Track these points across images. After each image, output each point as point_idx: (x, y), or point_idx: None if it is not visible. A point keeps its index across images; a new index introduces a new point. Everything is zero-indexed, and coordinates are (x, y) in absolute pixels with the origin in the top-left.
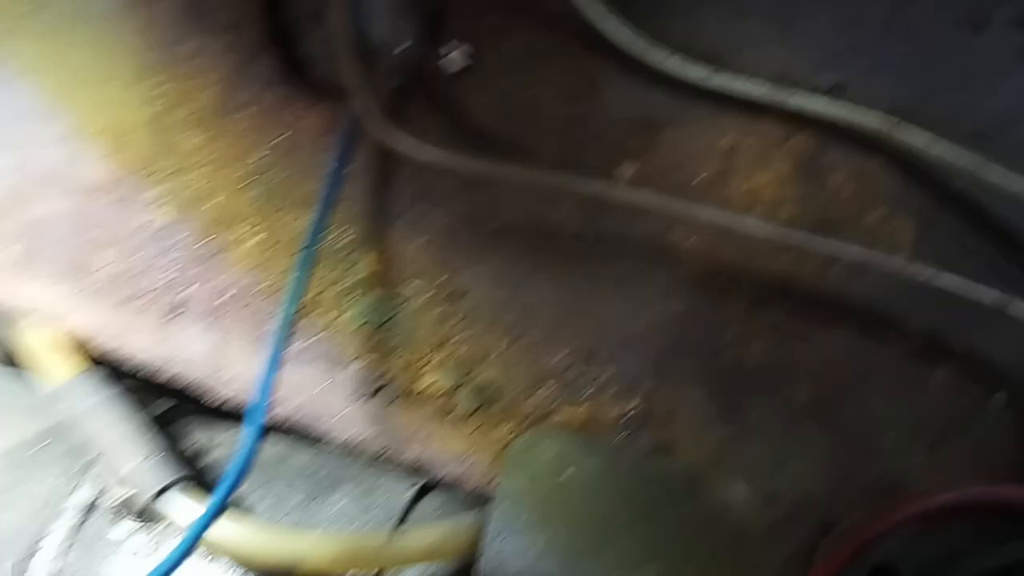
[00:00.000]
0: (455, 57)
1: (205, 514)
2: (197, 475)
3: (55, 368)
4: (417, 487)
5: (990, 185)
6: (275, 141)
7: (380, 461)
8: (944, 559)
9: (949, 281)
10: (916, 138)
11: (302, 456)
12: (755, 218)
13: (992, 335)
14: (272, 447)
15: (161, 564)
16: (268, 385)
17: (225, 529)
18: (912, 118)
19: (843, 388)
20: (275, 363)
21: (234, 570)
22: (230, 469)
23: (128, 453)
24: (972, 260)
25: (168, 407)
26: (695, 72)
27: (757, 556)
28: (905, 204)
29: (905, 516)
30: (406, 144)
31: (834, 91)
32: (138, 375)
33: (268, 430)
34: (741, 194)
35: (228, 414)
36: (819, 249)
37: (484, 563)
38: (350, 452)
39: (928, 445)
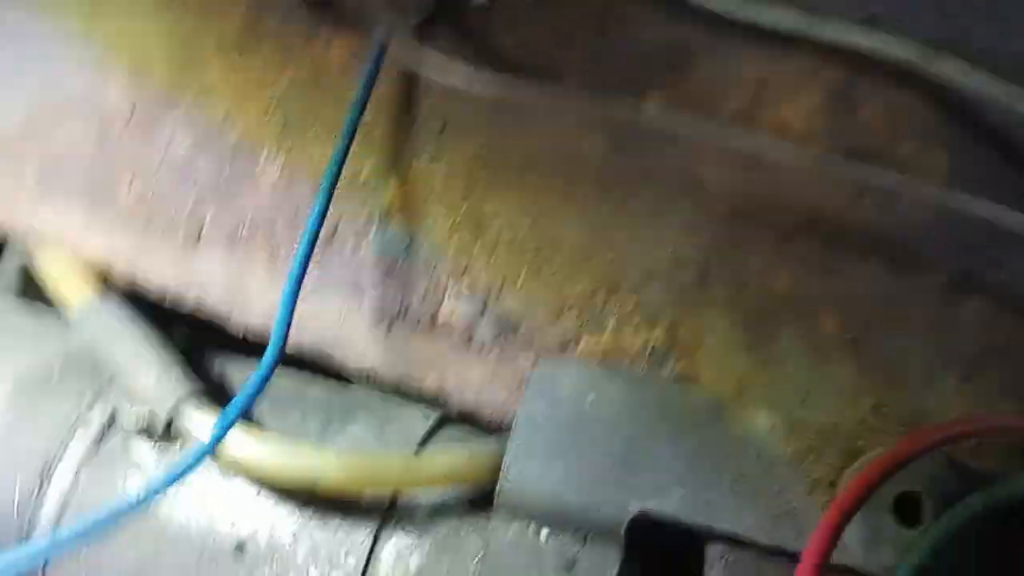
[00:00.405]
0: None
1: (220, 422)
2: (213, 393)
3: (72, 292)
4: (434, 419)
5: None
6: (300, 69)
7: (398, 391)
8: (969, 488)
9: (983, 209)
10: (950, 69)
11: (317, 389)
12: (785, 144)
13: None
14: (286, 380)
15: (173, 470)
16: (288, 311)
17: (241, 442)
18: (946, 50)
19: (872, 320)
20: (295, 290)
21: (249, 486)
22: (247, 383)
23: (144, 370)
24: (1006, 193)
25: (186, 336)
26: (725, 2)
27: (781, 484)
28: (938, 137)
29: (929, 443)
30: (433, 69)
31: (868, 22)
32: (157, 301)
33: (286, 358)
34: (770, 127)
35: (247, 346)
36: (850, 176)
37: (503, 488)
38: (368, 381)
39: (958, 377)
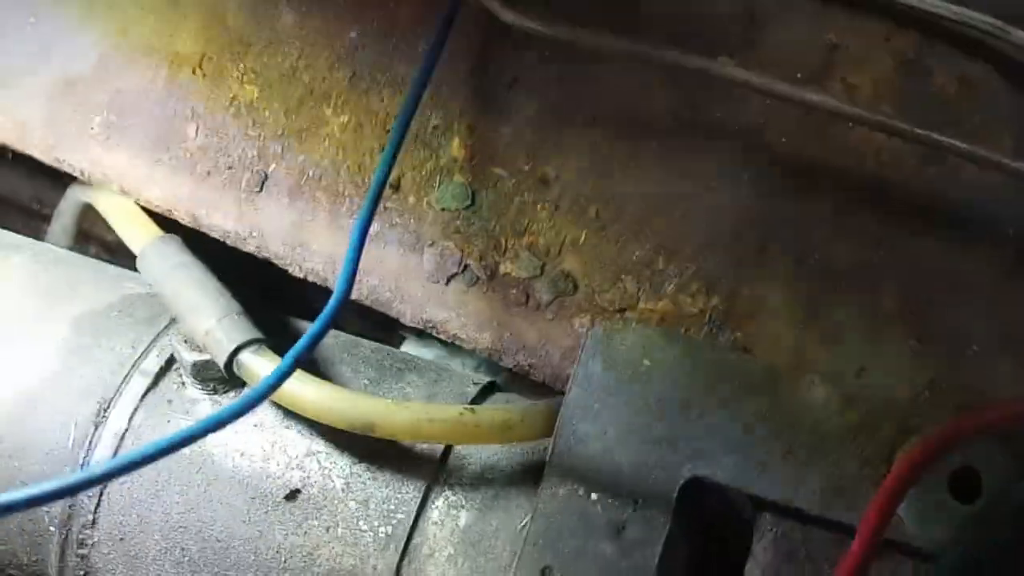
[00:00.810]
0: None
1: (283, 363)
2: (272, 340)
3: (135, 234)
4: (483, 383)
5: None
6: (371, 20)
7: (453, 346)
8: None
9: None
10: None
11: (368, 346)
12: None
13: None
14: (337, 340)
15: (233, 407)
16: (353, 261)
17: (301, 384)
18: (1019, 21)
19: (932, 294)
20: (361, 238)
21: (303, 436)
22: (311, 328)
23: (204, 315)
24: None
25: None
26: None
27: (834, 456)
28: (1009, 109)
29: (987, 421)
30: (509, 17)
31: None
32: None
33: (347, 308)
34: (839, 91)
35: (304, 295)
36: (919, 142)
37: (556, 448)
38: (424, 334)
39: (1018, 355)
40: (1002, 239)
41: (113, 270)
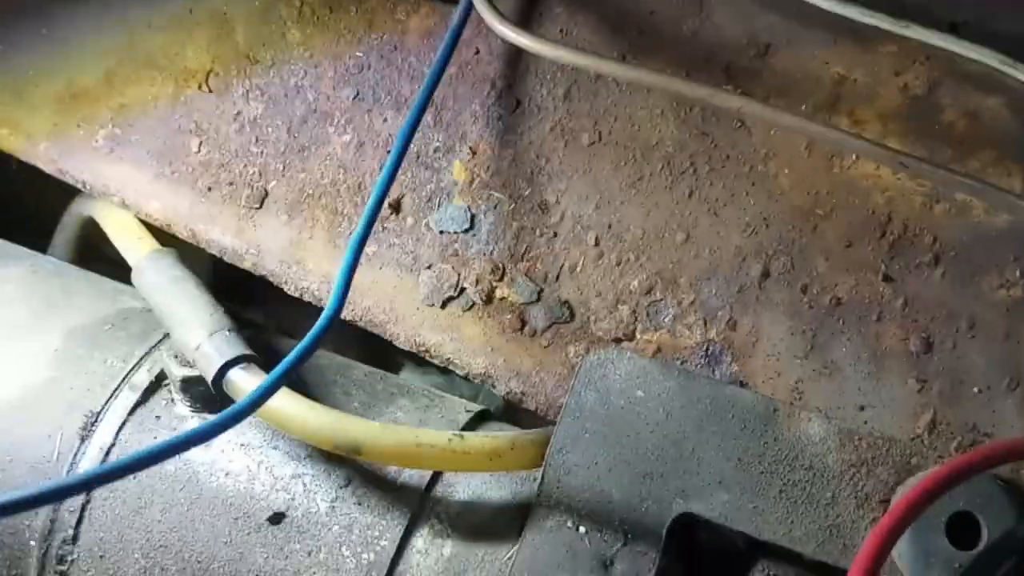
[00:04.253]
0: None
1: (264, 382)
2: (263, 359)
3: (132, 247)
4: (476, 411)
5: None
6: (377, 40)
7: (447, 370)
8: None
9: None
10: None
11: (361, 370)
12: (861, 143)
13: None
14: (330, 361)
15: (216, 420)
16: (345, 278)
17: (287, 403)
18: None
19: (936, 332)
20: (354, 259)
21: (290, 458)
22: (299, 345)
23: (194, 330)
24: None
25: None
26: None
27: (830, 495)
28: (1017, 148)
29: (985, 463)
30: (513, 39)
31: (955, 26)
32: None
33: (339, 330)
34: (846, 125)
35: (298, 314)
36: (925, 176)
37: (545, 478)
38: (418, 357)
39: (1022, 398)
40: (1008, 277)
41: (110, 284)
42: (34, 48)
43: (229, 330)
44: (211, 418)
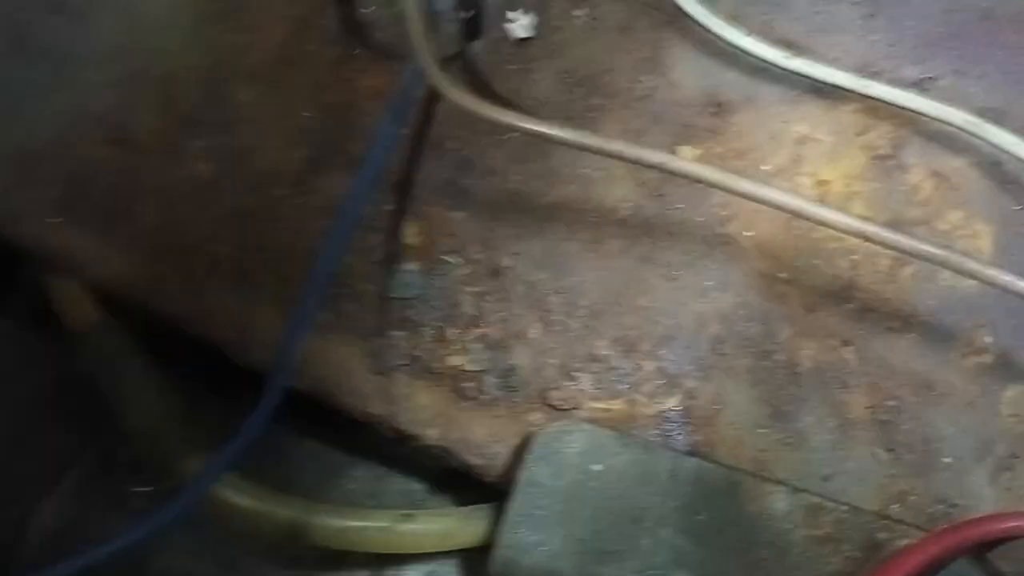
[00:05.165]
0: (521, 25)
1: (211, 468)
2: (212, 438)
3: (78, 317)
4: (430, 479)
5: None
6: (329, 100)
7: (401, 441)
8: None
9: None
10: (1004, 139)
11: (313, 441)
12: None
13: None
14: (284, 430)
15: (160, 517)
16: (292, 350)
17: (231, 488)
18: (1001, 118)
19: (903, 400)
20: (302, 328)
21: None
22: (244, 428)
23: (142, 410)
24: None
25: (189, 369)
26: (772, 53)
27: (796, 573)
28: (986, 209)
29: (957, 543)
30: (466, 101)
31: (921, 85)
32: (166, 332)
33: (288, 399)
34: (809, 186)
35: (252, 383)
36: (889, 243)
37: (497, 555)
38: (372, 427)
39: (992, 469)
40: (978, 344)
41: (63, 348)
42: None
43: (178, 411)
44: (143, 523)
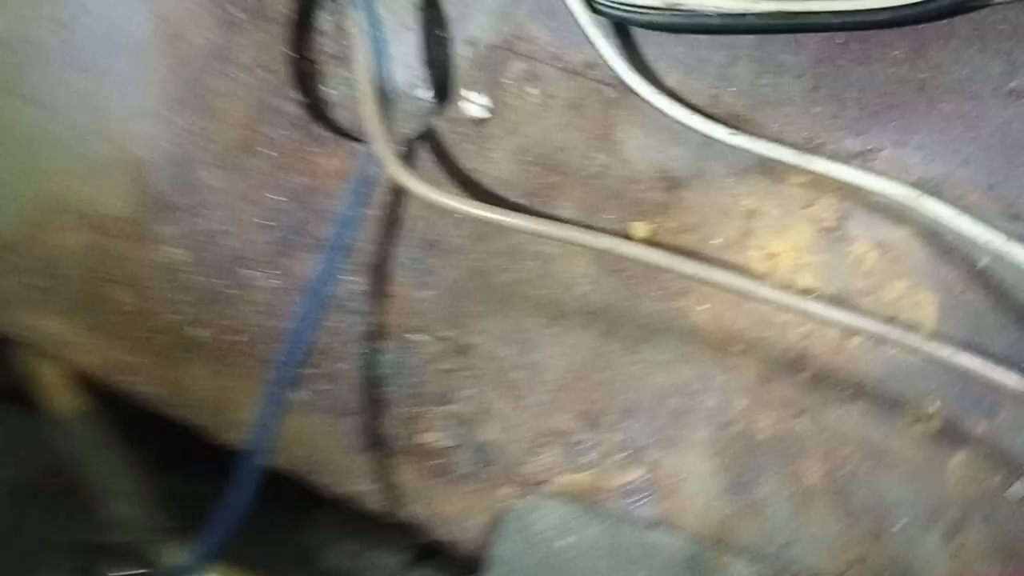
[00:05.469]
0: (477, 105)
1: (190, 560)
2: (192, 522)
3: (59, 404)
4: (409, 555)
5: (1017, 264)
6: (294, 183)
7: (379, 518)
8: None
9: (970, 361)
10: (942, 211)
11: (294, 519)
12: (771, 286)
13: (1015, 420)
14: (264, 508)
15: None
16: (267, 432)
17: None
18: (942, 189)
19: (856, 467)
20: (276, 410)
21: None
22: (222, 516)
23: (123, 500)
24: (996, 340)
25: (169, 452)
26: (717, 130)
27: None
28: (929, 278)
29: None
30: (422, 190)
31: (863, 156)
32: (144, 414)
33: (266, 479)
34: (759, 259)
35: (230, 462)
36: (837, 320)
37: None
38: (350, 505)
39: (943, 532)
40: (925, 411)
41: (48, 433)
42: None
43: (159, 499)
44: None
